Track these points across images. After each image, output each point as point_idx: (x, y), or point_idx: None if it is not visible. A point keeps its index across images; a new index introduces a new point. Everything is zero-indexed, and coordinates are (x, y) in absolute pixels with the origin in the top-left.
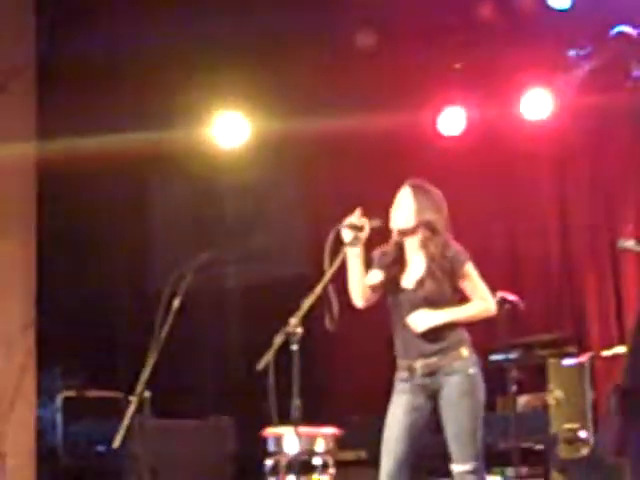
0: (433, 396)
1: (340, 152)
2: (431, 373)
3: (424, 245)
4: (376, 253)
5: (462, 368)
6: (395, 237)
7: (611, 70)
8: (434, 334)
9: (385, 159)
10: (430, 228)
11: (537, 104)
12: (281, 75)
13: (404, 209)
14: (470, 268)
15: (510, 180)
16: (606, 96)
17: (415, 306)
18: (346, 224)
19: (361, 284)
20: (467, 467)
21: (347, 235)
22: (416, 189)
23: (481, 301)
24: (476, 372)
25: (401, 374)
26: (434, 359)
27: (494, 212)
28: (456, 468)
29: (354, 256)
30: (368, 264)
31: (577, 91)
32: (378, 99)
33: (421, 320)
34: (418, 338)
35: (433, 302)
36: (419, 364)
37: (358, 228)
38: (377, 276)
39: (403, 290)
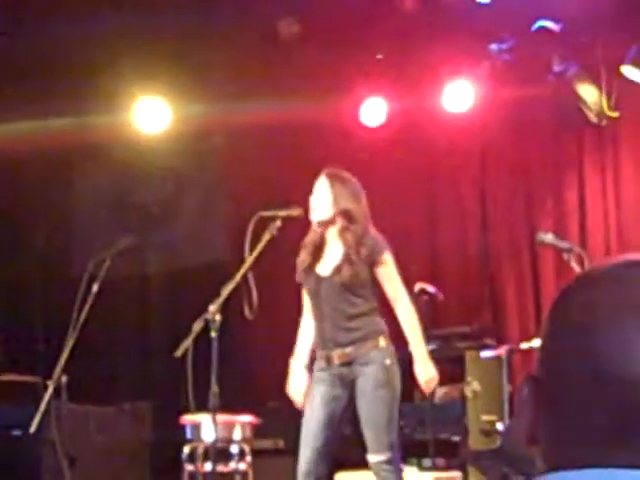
0: (350, 386)
1: (261, 140)
2: (348, 363)
3: (341, 234)
4: (304, 243)
5: (378, 358)
6: (315, 226)
7: (532, 64)
8: (351, 324)
9: (307, 148)
10: (347, 217)
11: (458, 96)
12: (203, 62)
13: (321, 199)
14: (388, 257)
15: (431, 172)
16: (527, 90)
17: (333, 293)
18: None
19: None
20: (382, 457)
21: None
22: (333, 178)
23: (402, 303)
24: (392, 363)
25: (319, 364)
26: (350, 349)
27: (415, 203)
28: (371, 458)
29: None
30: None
31: (498, 84)
32: (300, 88)
33: (427, 373)
34: (335, 328)
35: (350, 289)
36: (336, 354)
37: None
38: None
39: (320, 278)
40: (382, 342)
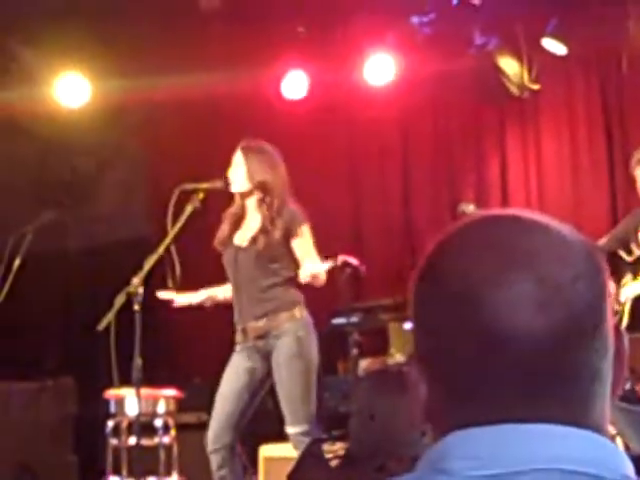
0: (267, 358)
1: (183, 114)
2: (262, 336)
3: (259, 205)
4: (226, 214)
5: (291, 330)
6: (237, 199)
7: (454, 37)
8: (265, 295)
9: (228, 122)
10: (263, 189)
11: (380, 70)
12: (122, 36)
13: (237, 172)
14: (305, 229)
15: (353, 145)
16: (448, 63)
17: (249, 264)
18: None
19: None
20: (299, 429)
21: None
22: (247, 151)
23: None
24: (306, 333)
25: (237, 337)
26: (263, 321)
27: (337, 177)
28: (289, 430)
29: None
30: (219, 224)
31: (420, 57)
32: (222, 61)
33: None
34: (250, 300)
35: (265, 259)
36: (250, 327)
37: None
38: None
39: (237, 248)
40: (297, 313)
